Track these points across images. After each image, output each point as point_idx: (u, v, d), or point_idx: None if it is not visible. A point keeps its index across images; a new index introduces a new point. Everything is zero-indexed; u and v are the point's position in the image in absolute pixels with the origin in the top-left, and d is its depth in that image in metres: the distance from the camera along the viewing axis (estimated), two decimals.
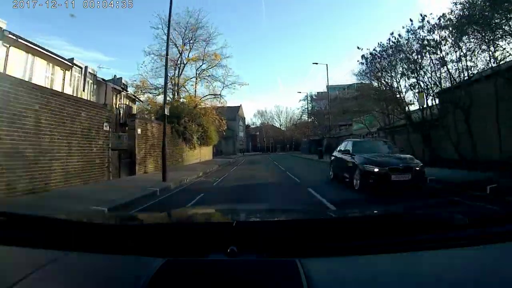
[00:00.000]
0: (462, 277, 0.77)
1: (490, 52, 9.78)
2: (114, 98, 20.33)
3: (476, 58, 10.33)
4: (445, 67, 11.46)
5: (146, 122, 14.19)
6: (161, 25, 22.64)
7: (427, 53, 11.84)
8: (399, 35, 12.86)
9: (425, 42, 11.71)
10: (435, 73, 12.02)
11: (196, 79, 25.31)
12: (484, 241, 0.92)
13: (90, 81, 18.23)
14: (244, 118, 65.19)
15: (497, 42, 9.48)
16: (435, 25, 11.29)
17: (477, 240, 0.92)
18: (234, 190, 8.71)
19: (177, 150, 17.94)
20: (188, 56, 24.58)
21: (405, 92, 14.05)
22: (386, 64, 14.30)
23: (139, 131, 12.83)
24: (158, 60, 23.46)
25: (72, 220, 1.16)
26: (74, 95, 13.68)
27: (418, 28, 11.83)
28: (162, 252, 0.87)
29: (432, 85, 12.22)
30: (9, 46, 12.00)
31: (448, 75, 11.49)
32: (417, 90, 12.86)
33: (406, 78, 13.09)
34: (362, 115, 21.44)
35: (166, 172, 10.05)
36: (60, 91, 12.12)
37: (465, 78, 10.66)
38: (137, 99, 23.81)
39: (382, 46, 13.87)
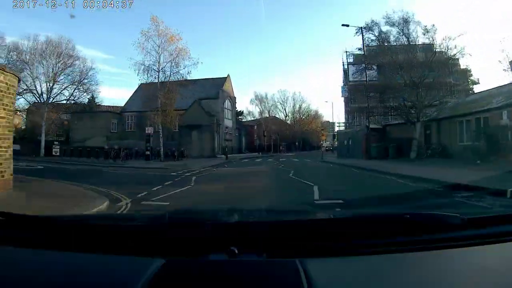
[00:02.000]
0: (462, 277, 0.78)
1: None
2: None
3: None
4: None
5: None
6: None
7: None
8: None
9: None
10: None
11: None
12: (484, 241, 0.92)
13: None
14: (235, 97, 40.74)
15: None
16: None
17: (477, 240, 0.92)
18: None
19: None
20: None
21: None
22: None
23: None
24: None
25: (72, 220, 1.13)
26: None
27: None
28: (162, 252, 0.87)
29: None
30: None
31: None
32: None
33: None
34: None
35: None
36: None
37: None
38: None
39: None
